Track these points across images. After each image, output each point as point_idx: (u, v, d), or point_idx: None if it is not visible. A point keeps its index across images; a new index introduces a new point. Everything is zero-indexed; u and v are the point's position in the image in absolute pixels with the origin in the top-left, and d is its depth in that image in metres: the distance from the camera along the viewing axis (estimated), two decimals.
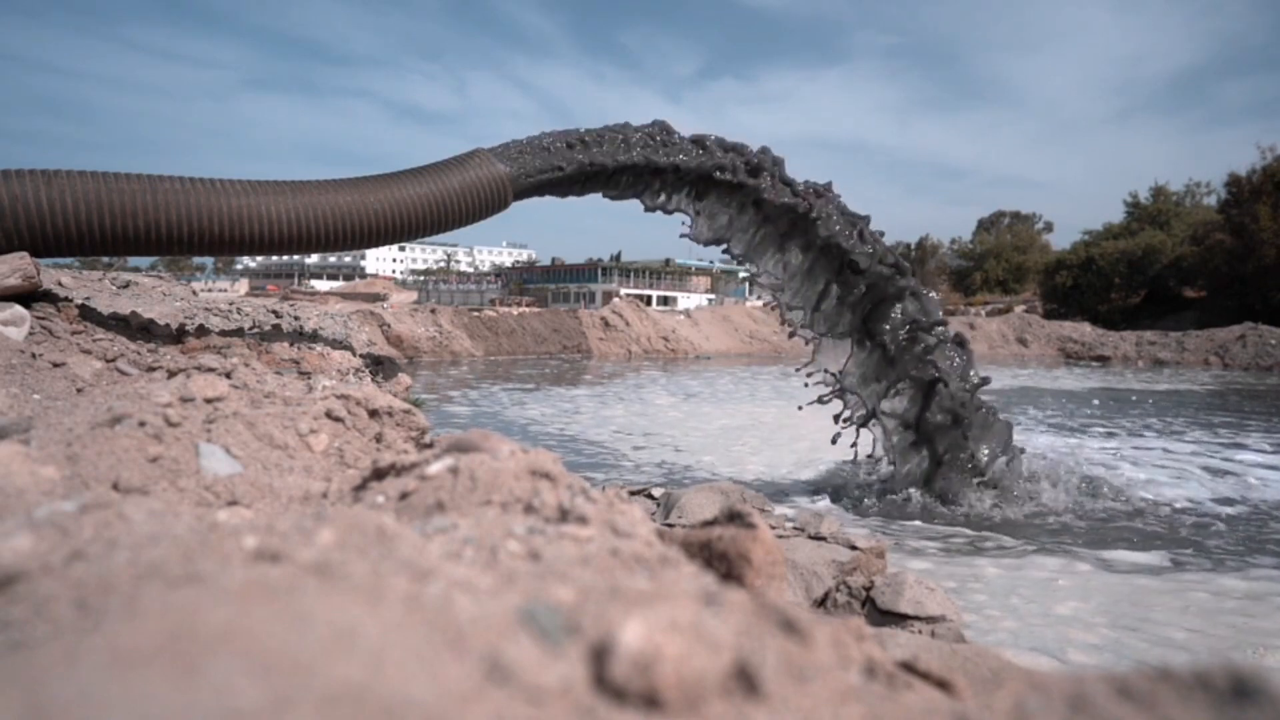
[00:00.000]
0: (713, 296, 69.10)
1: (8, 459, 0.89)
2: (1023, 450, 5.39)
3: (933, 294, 5.38)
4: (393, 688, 0.38)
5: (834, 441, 5.32)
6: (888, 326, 5.17)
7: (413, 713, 0.37)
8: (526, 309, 28.12)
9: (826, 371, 5.36)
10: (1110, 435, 8.57)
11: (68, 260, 4.06)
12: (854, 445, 5.46)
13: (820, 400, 5.35)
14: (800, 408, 5.44)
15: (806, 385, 5.38)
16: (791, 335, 5.47)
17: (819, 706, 0.46)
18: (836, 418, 5.35)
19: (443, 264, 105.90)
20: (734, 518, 0.84)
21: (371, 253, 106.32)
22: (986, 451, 5.17)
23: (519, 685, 0.41)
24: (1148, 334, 24.68)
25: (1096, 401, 12.30)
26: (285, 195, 3.67)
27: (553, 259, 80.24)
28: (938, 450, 5.19)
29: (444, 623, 0.45)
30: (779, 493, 5.44)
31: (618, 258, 70.84)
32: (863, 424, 5.33)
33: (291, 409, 1.31)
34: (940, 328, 5.20)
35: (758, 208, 5.12)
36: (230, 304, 6.64)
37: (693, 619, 0.47)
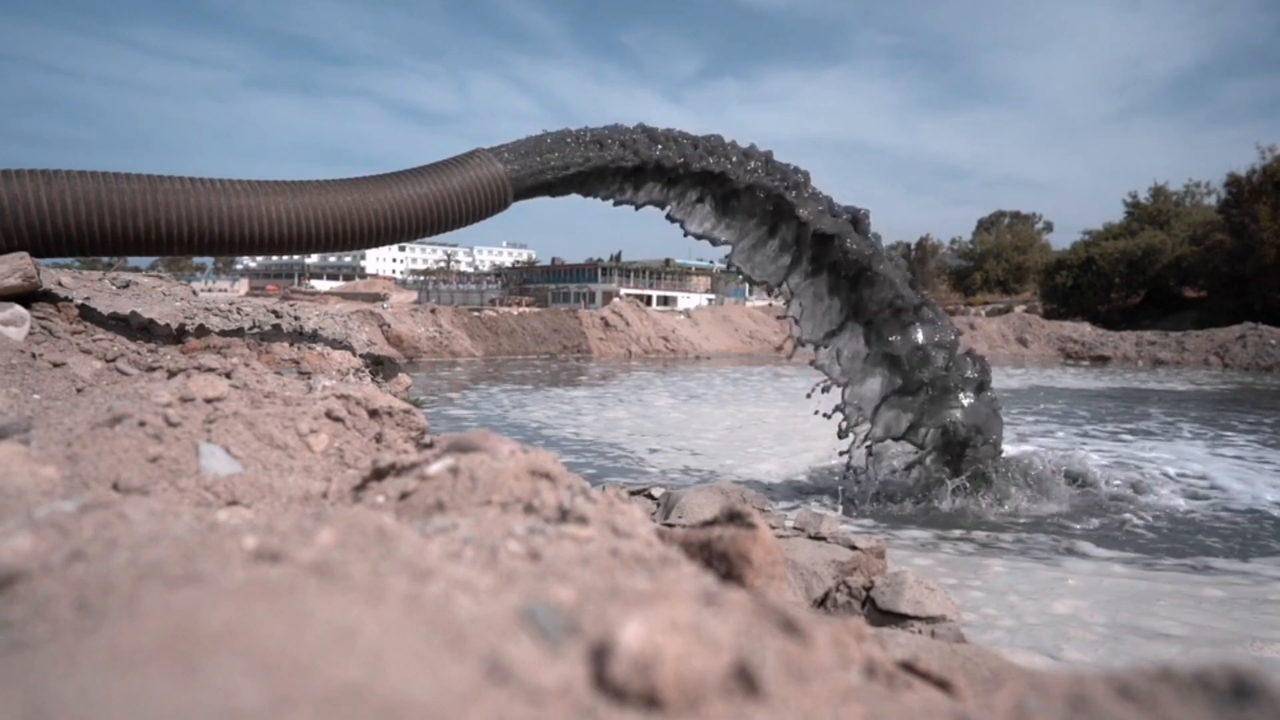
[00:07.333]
0: (713, 296, 69.09)
1: (8, 459, 0.89)
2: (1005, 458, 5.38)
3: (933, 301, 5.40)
4: (393, 688, 0.38)
5: (842, 422, 5.29)
6: (895, 338, 5.17)
7: (413, 713, 0.37)
8: (526, 309, 28.09)
9: (825, 370, 5.35)
10: (1112, 435, 8.57)
11: (68, 260, 4.06)
12: (859, 447, 5.45)
13: (820, 392, 5.33)
14: (825, 400, 5.41)
15: (814, 394, 5.35)
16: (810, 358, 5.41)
17: (819, 706, 0.46)
18: (834, 419, 5.34)
19: (443, 264, 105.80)
20: (734, 518, 0.84)
21: (371, 253, 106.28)
22: (985, 450, 5.17)
23: (519, 685, 0.41)
24: (1148, 334, 24.63)
25: (1104, 402, 12.30)
26: (285, 195, 3.67)
27: (553, 259, 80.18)
28: (938, 450, 5.19)
29: (444, 623, 0.45)
30: (780, 492, 5.44)
31: (618, 258, 70.82)
32: (864, 432, 5.33)
33: (291, 409, 1.30)
34: (953, 339, 5.21)
35: (798, 236, 5.04)
36: (230, 304, 6.64)
37: (693, 619, 0.47)
